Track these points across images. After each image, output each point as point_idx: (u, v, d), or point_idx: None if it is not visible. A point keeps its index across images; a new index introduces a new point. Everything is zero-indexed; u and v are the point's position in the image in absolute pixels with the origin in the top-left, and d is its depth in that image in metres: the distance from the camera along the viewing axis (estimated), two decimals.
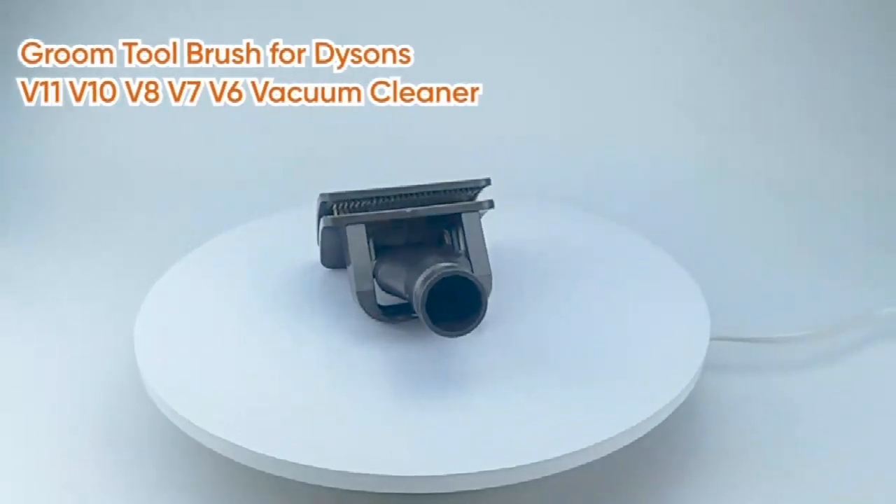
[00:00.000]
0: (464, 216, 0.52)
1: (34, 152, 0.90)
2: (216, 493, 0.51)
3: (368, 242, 0.52)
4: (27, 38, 0.93)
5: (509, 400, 0.47)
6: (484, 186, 0.53)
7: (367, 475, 0.42)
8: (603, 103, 0.92)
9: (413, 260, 0.49)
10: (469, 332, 0.46)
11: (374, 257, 0.53)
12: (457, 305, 0.46)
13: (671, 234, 0.70)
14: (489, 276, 0.52)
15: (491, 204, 0.53)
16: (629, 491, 0.51)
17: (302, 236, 0.61)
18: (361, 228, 0.52)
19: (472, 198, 0.54)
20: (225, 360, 0.51)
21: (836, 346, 0.63)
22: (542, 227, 0.63)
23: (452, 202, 0.53)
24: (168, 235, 0.77)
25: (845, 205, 0.82)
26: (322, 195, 0.53)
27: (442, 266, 0.46)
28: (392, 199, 0.53)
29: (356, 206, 0.53)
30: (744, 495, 0.51)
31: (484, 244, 0.52)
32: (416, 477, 0.43)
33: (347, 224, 0.52)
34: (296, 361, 0.51)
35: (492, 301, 0.56)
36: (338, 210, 0.53)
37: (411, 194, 0.53)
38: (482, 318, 0.46)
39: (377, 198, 0.53)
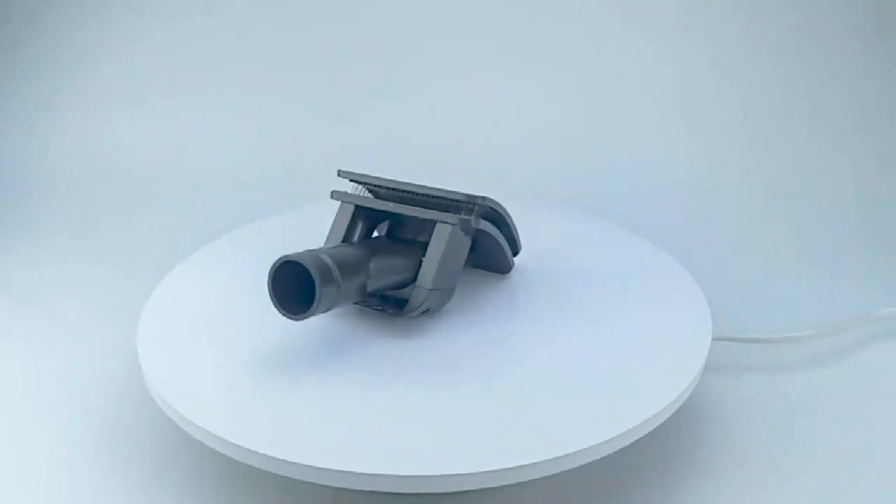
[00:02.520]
0: (437, 225, 0.52)
1: (34, 152, 0.91)
2: (217, 493, 0.51)
3: (353, 224, 0.54)
4: (28, 39, 0.93)
5: (509, 399, 0.47)
6: (479, 204, 0.52)
7: (369, 475, 0.42)
8: (603, 104, 0.92)
9: (354, 250, 0.51)
10: (305, 317, 0.46)
11: (351, 239, 0.54)
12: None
13: (671, 234, 0.70)
14: (426, 290, 0.51)
15: (476, 223, 0.53)
16: (629, 491, 0.51)
17: (303, 236, 0.60)
18: (349, 209, 0.54)
19: (469, 211, 0.53)
20: (227, 361, 0.51)
21: (836, 346, 0.63)
22: (542, 228, 0.63)
23: (444, 210, 0.53)
24: (171, 236, 0.77)
25: (845, 205, 0.82)
26: (340, 171, 0.54)
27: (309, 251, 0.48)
28: (394, 193, 0.54)
29: (364, 189, 0.55)
30: (744, 495, 0.51)
31: (439, 258, 0.51)
32: (415, 477, 0.43)
33: (341, 201, 0.54)
34: (298, 361, 0.51)
35: (492, 301, 0.56)
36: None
37: (412, 193, 0.53)
38: (318, 305, 0.46)
39: (384, 188, 0.54)
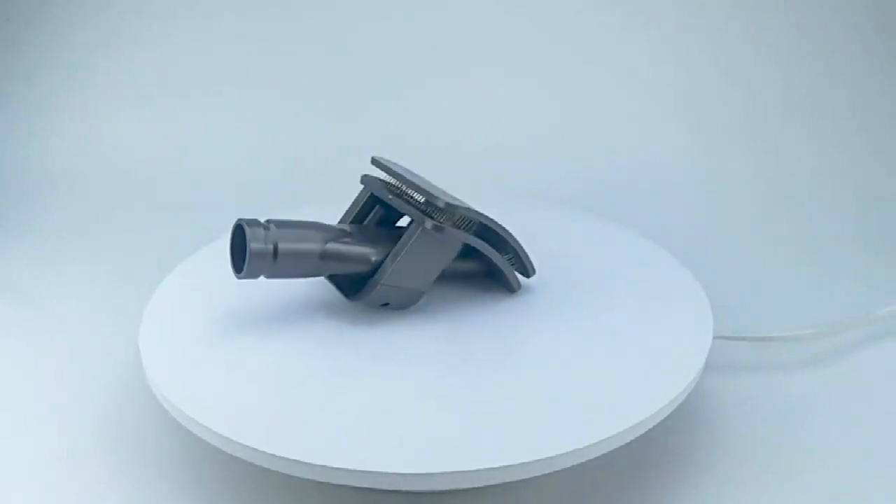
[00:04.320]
0: (411, 224, 0.52)
1: (34, 152, 0.91)
2: (221, 492, 0.51)
3: (367, 208, 0.56)
4: (28, 39, 0.93)
5: (508, 397, 0.48)
6: (458, 214, 0.52)
7: (373, 473, 0.42)
8: (603, 104, 0.92)
9: (326, 228, 0.53)
10: (241, 277, 0.49)
11: (356, 220, 0.56)
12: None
13: (671, 234, 0.70)
14: (379, 283, 0.51)
15: (454, 232, 0.52)
16: (629, 491, 0.51)
17: None
18: (367, 193, 0.56)
19: (445, 218, 0.53)
20: (229, 360, 0.51)
21: (836, 346, 0.63)
22: (542, 228, 0.63)
23: (432, 213, 0.53)
24: (171, 236, 0.77)
25: (845, 205, 0.82)
26: (373, 159, 0.56)
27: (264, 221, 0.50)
28: (401, 188, 0.55)
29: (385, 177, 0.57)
30: (744, 495, 0.51)
31: (399, 257, 0.51)
32: (416, 475, 0.43)
33: (364, 183, 0.57)
34: (300, 359, 0.51)
35: (491, 299, 0.56)
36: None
37: (417, 191, 0.53)
38: (248, 269, 0.49)
39: (399, 180, 0.55)
